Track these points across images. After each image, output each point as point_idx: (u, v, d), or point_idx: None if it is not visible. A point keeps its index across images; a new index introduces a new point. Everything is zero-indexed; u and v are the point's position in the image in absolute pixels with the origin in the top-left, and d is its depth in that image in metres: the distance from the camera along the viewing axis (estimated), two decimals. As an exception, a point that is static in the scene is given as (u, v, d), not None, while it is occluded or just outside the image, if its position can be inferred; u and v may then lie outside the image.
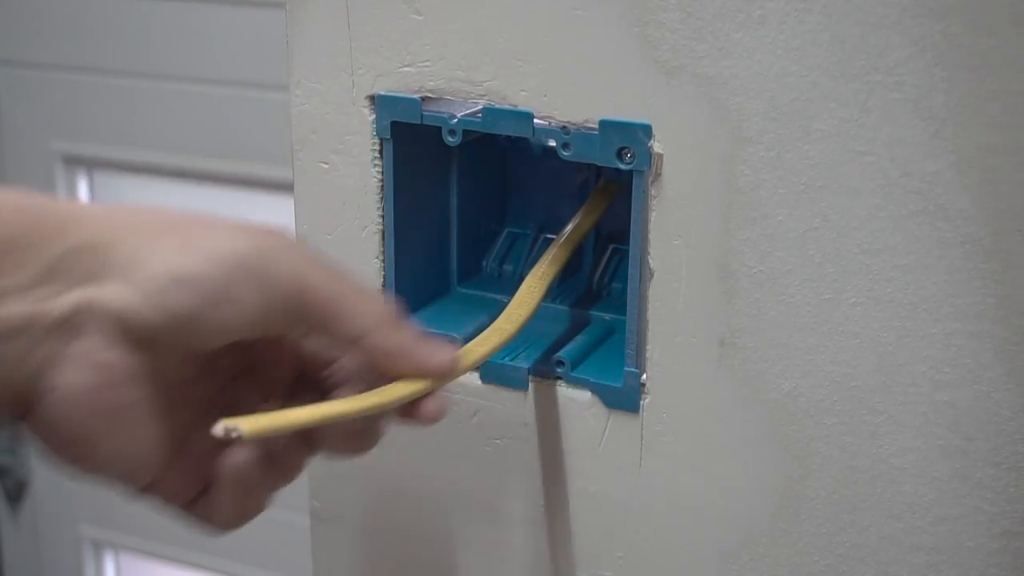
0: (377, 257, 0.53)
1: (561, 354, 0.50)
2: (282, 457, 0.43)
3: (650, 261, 0.47)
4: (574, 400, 0.50)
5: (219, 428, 0.37)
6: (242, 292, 0.39)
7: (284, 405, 0.42)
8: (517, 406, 0.51)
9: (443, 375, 0.43)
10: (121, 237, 0.38)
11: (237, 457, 0.42)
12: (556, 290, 0.56)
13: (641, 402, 0.49)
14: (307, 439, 0.43)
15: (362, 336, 0.41)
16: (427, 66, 0.49)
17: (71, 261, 0.37)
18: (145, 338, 0.38)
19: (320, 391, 0.44)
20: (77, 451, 0.38)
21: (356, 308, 0.41)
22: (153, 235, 0.39)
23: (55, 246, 0.37)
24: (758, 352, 0.46)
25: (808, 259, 0.44)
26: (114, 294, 0.37)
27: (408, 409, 0.43)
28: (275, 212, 1.32)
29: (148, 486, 0.41)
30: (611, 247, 0.57)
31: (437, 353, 0.43)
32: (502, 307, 0.54)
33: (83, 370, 0.37)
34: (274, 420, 0.39)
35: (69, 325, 0.37)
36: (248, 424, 0.37)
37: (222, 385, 0.43)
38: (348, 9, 0.50)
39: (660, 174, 0.46)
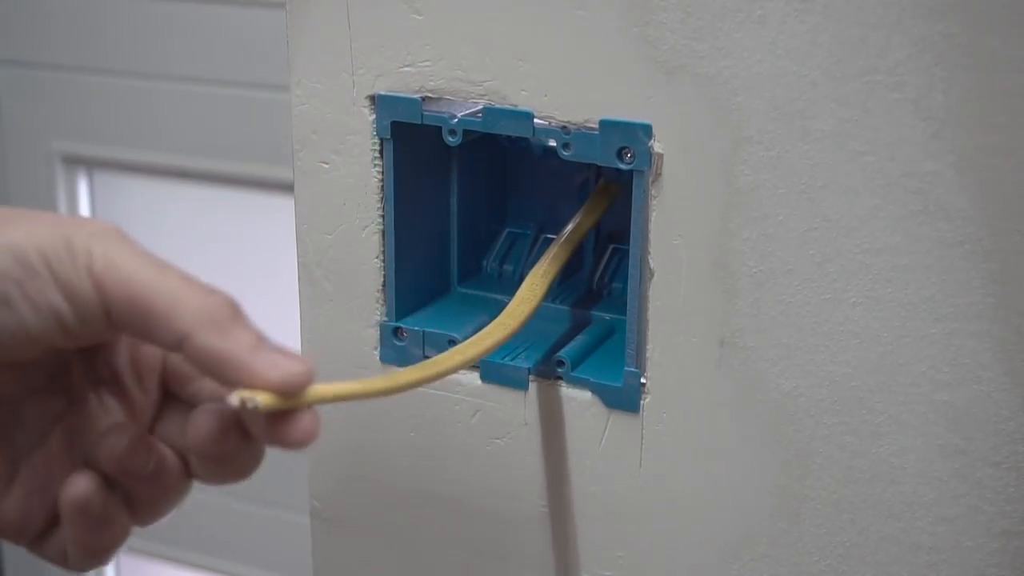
0: (377, 257, 0.53)
1: (561, 354, 0.50)
2: (141, 491, 0.38)
3: (650, 261, 0.47)
4: (574, 400, 0.50)
5: (234, 399, 0.33)
6: (32, 291, 0.34)
7: (152, 427, 0.38)
8: (517, 406, 0.51)
9: (287, 389, 0.35)
10: None
11: (78, 488, 0.37)
12: (556, 290, 0.56)
13: (641, 402, 0.49)
14: (176, 470, 0.39)
15: (183, 339, 0.35)
16: (427, 66, 0.49)
17: None
18: None
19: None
20: None
21: (174, 306, 0.34)
22: None
23: None
24: (758, 352, 0.46)
25: (808, 259, 0.44)
26: None
27: (274, 429, 0.36)
28: (275, 212, 1.32)
29: None
30: (611, 247, 0.57)
31: (277, 363, 0.35)
32: (502, 307, 0.54)
33: None
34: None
35: None
36: (265, 395, 0.34)
37: (72, 402, 0.39)
38: (348, 9, 0.50)
39: (660, 174, 0.46)
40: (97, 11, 1.37)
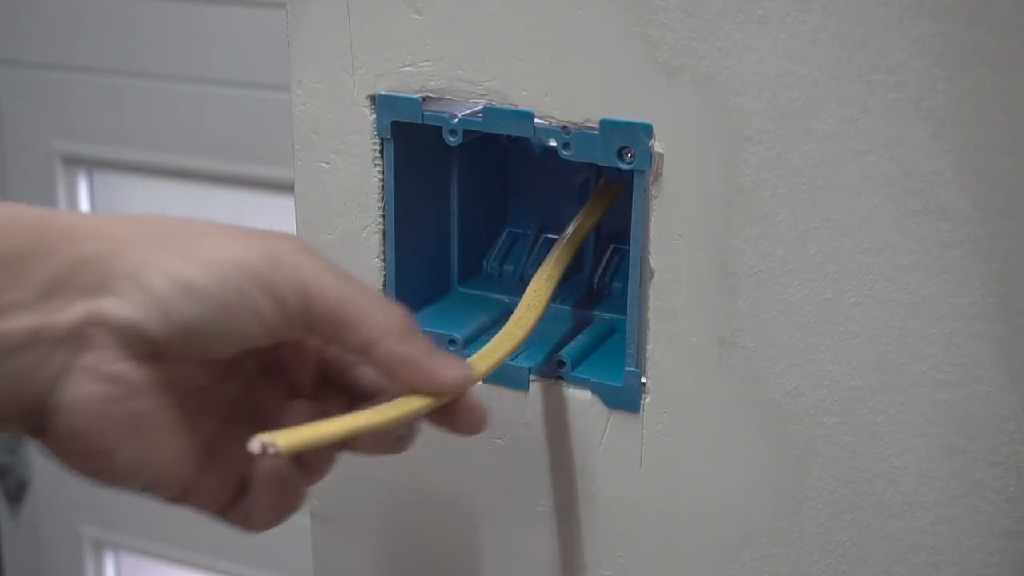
0: (378, 257, 0.53)
1: (562, 354, 0.50)
2: (313, 457, 0.43)
3: (650, 261, 0.47)
4: (575, 400, 0.50)
5: (255, 444, 0.36)
6: (248, 301, 0.39)
7: (312, 407, 0.42)
8: (518, 406, 0.51)
9: (456, 389, 0.42)
10: (123, 248, 0.38)
11: (273, 459, 0.41)
12: (557, 290, 0.56)
13: (641, 402, 0.49)
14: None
15: (371, 345, 0.41)
16: (428, 66, 0.49)
17: (75, 274, 0.37)
18: (154, 349, 0.38)
19: (346, 394, 0.44)
20: (96, 464, 0.38)
21: (366, 316, 0.40)
22: (156, 245, 0.38)
23: (58, 259, 0.36)
24: (758, 352, 0.46)
25: (808, 259, 0.44)
26: (119, 307, 0.37)
27: (446, 419, 0.43)
28: (275, 212, 1.32)
29: (181, 494, 0.41)
30: (611, 247, 0.57)
31: (450, 366, 0.42)
32: (503, 307, 0.54)
33: (94, 382, 0.37)
34: (309, 433, 0.38)
35: (77, 337, 0.37)
36: (284, 439, 0.37)
37: (245, 386, 0.43)
38: (348, 9, 0.50)
39: (660, 174, 0.46)
40: (97, 11, 1.37)
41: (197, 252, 0.38)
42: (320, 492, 0.57)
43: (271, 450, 0.36)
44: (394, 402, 0.42)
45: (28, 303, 0.36)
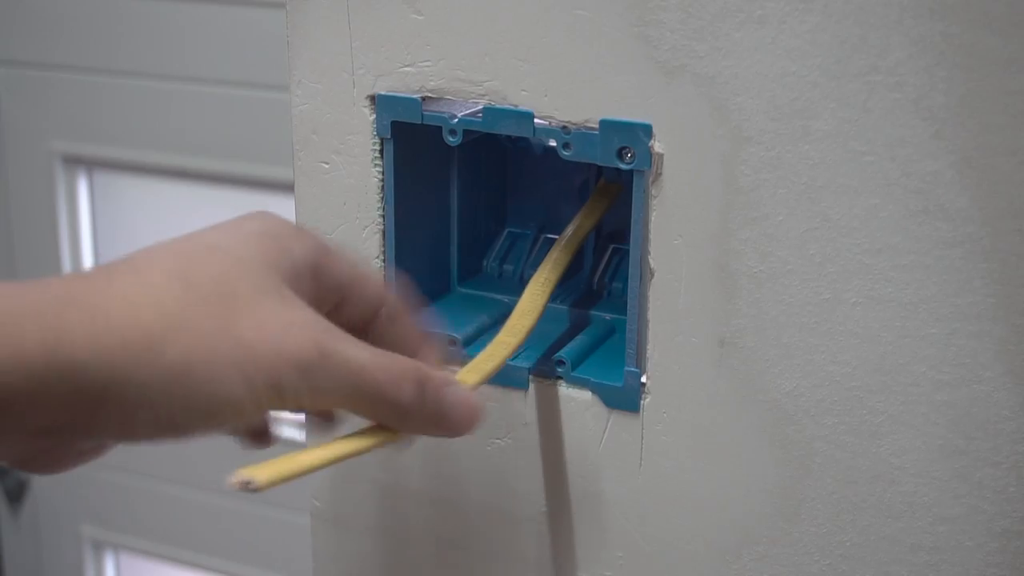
0: (377, 257, 0.53)
1: (561, 354, 0.50)
2: None
3: (650, 261, 0.47)
4: (574, 400, 0.50)
5: (235, 480, 0.37)
6: (286, 401, 0.39)
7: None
8: (518, 406, 0.51)
9: (468, 432, 0.43)
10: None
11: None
12: (556, 290, 0.56)
13: (641, 402, 0.49)
14: None
15: (407, 412, 0.41)
16: (427, 66, 0.49)
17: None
18: None
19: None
20: None
21: (395, 387, 0.40)
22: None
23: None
24: (758, 352, 0.46)
25: (808, 259, 0.44)
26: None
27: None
28: (275, 212, 1.32)
29: None
30: (611, 247, 0.57)
31: (469, 409, 0.43)
32: (503, 307, 0.54)
33: None
34: (288, 467, 0.39)
35: None
36: (263, 473, 0.38)
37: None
38: (348, 9, 0.50)
39: (660, 174, 0.46)
40: (97, 11, 1.37)
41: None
42: (320, 492, 0.57)
43: (251, 486, 0.37)
44: (369, 432, 0.42)
45: None
